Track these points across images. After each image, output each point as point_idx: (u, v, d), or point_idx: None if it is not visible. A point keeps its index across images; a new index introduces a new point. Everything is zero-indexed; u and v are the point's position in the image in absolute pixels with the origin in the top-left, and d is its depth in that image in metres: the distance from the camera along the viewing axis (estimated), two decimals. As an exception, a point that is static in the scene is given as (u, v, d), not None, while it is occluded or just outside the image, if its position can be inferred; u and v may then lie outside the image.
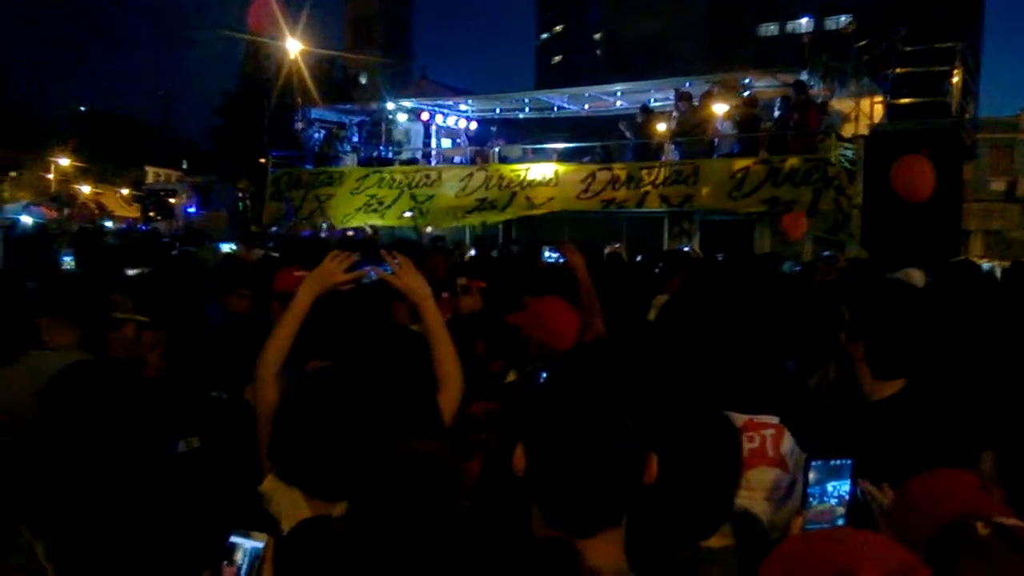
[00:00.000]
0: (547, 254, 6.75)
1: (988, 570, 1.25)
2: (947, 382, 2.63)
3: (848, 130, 13.90)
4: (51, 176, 44.76)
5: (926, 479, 1.55)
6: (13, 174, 43.99)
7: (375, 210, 16.79)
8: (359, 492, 1.77)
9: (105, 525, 2.14)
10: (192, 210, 22.72)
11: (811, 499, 1.80)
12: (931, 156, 9.43)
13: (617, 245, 11.48)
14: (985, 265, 13.43)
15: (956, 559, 1.29)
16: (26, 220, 20.34)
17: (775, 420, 2.16)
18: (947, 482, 1.51)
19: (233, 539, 1.65)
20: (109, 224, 24.38)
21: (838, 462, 1.82)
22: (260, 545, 1.64)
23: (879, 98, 13.92)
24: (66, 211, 30.55)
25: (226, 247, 7.73)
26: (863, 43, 13.94)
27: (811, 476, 1.80)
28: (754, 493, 1.99)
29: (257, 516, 1.91)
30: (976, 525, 1.31)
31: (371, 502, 1.75)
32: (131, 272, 5.24)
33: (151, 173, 50.24)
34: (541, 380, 2.46)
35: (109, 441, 2.07)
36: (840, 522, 1.80)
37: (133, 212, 34.63)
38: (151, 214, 24.51)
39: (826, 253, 9.98)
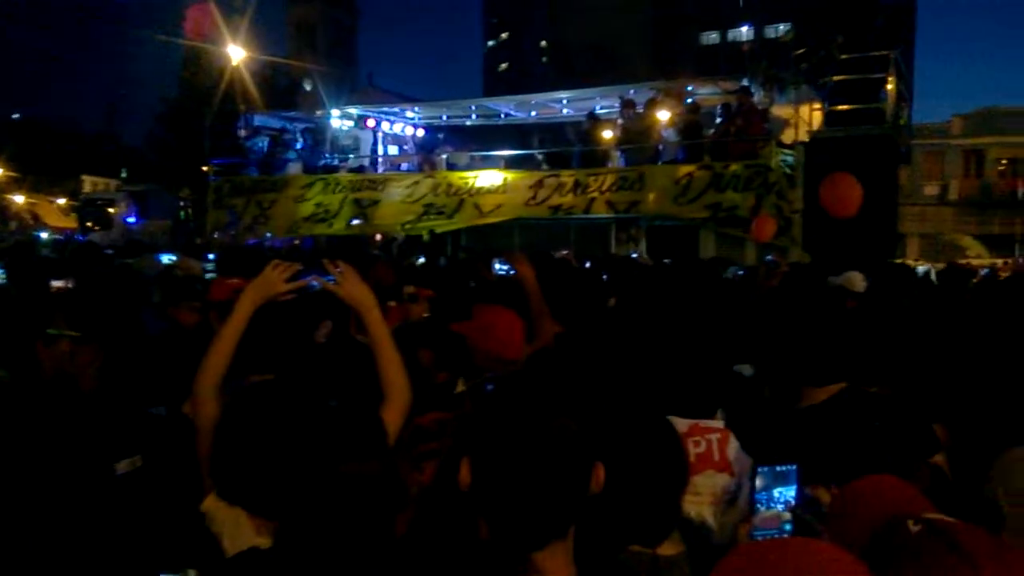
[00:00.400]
0: (497, 266, 6.73)
1: (923, 567, 1.26)
2: (883, 386, 2.69)
3: (788, 136, 14.21)
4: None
5: (857, 486, 1.57)
6: (-58, 184, 42.42)
7: (322, 219, 16.59)
8: (295, 512, 1.73)
9: (46, 548, 2.06)
10: (132, 220, 22.16)
11: (758, 505, 1.81)
12: (860, 170, 9.65)
13: (565, 252, 11.52)
14: (920, 268, 13.83)
15: (892, 559, 1.31)
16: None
17: (720, 425, 2.17)
18: (877, 487, 1.54)
19: None
20: (44, 235, 23.61)
21: (783, 468, 1.83)
22: None
23: (818, 105, 14.26)
24: (13, 224, 29.48)
25: (166, 258, 7.54)
26: (801, 51, 14.28)
27: (758, 482, 1.81)
28: (701, 498, 2.00)
29: (199, 538, 1.86)
30: (907, 524, 1.33)
31: (305, 522, 1.70)
32: (57, 284, 5.06)
33: (88, 182, 48.89)
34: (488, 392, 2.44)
35: (42, 464, 1.99)
36: (787, 527, 1.81)
37: (70, 223, 33.64)
38: (89, 224, 23.83)
39: (768, 257, 10.18)
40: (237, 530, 1.85)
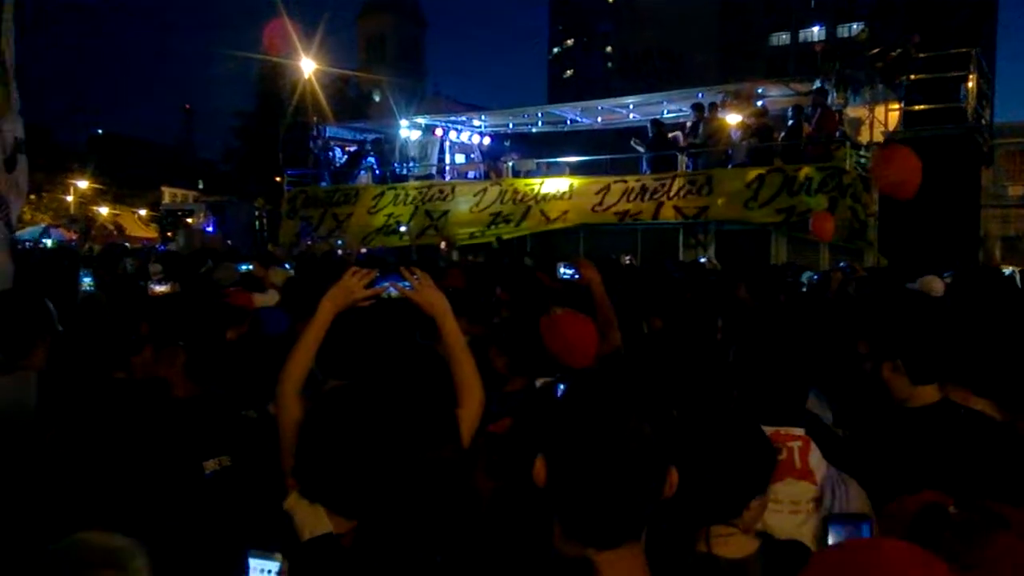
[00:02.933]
0: (562, 270, 6.73)
1: (965, 543, 1.26)
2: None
3: (863, 137, 13.84)
4: (70, 198, 45.30)
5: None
6: (32, 197, 44.59)
7: (394, 231, 16.84)
8: (375, 507, 1.77)
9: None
10: (209, 229, 22.89)
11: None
12: (939, 172, 8.99)
13: (628, 258, 11.42)
14: (1006, 271, 13.29)
15: (938, 537, 1.29)
16: (46, 242, 20.56)
17: (801, 432, 2.14)
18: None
19: (250, 559, 1.66)
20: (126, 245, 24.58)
21: (857, 523, 1.76)
22: (276, 565, 1.64)
23: (894, 105, 13.84)
24: (95, 243, 30.62)
25: (244, 267, 7.78)
26: (876, 51, 13.89)
27: (830, 538, 1.74)
28: (782, 506, 1.98)
29: (282, 533, 1.92)
30: (948, 507, 1.31)
31: (384, 514, 1.75)
32: (160, 289, 5.30)
33: (167, 194, 50.78)
34: (559, 393, 2.43)
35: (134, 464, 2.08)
36: (866, 529, 1.75)
37: (151, 233, 34.98)
38: (169, 234, 24.69)
39: (842, 264, 9.90)
40: (317, 528, 1.91)
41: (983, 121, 14.54)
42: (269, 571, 1.65)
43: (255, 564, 1.66)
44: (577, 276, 4.63)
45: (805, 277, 8.31)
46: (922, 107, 13.15)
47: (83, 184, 45.80)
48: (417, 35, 76.69)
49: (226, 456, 2.46)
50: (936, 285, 6.45)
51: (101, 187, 46.75)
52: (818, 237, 11.45)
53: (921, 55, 13.34)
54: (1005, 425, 2.53)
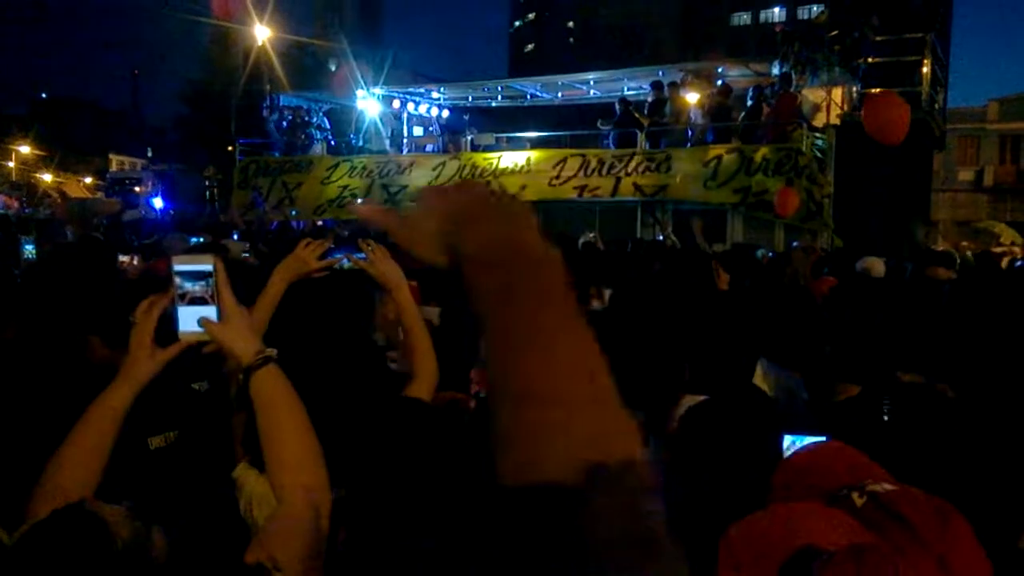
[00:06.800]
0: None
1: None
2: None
3: (820, 119, 13.98)
4: (11, 164, 43.79)
5: (803, 456, 1.50)
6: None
7: (348, 203, 16.55)
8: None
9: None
10: (158, 199, 22.33)
11: None
12: (893, 156, 9.09)
13: (591, 234, 11.42)
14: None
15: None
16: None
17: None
18: (825, 456, 1.47)
19: (178, 267, 1.60)
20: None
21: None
22: (208, 268, 1.60)
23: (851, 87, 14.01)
24: (43, 208, 29.63)
25: (194, 240, 7.58)
26: (835, 33, 14.01)
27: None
28: None
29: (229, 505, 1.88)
30: (852, 496, 1.29)
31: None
32: (123, 259, 5.17)
33: (115, 161, 49.47)
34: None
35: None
36: None
37: (98, 201, 33.98)
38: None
39: (795, 244, 10.00)
40: (266, 496, 1.85)
41: (936, 106, 14.81)
42: (203, 275, 1.60)
43: (182, 269, 1.61)
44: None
45: (759, 255, 8.39)
46: (878, 91, 13.30)
47: (25, 150, 44.29)
48: (375, 2, 75.37)
49: (172, 431, 2.39)
50: (878, 267, 6.59)
51: (44, 153, 45.23)
52: (780, 214, 11.57)
53: (878, 38, 13.49)
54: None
